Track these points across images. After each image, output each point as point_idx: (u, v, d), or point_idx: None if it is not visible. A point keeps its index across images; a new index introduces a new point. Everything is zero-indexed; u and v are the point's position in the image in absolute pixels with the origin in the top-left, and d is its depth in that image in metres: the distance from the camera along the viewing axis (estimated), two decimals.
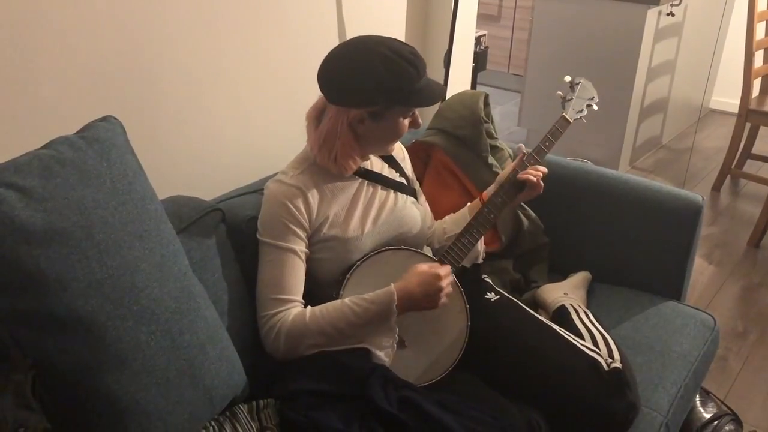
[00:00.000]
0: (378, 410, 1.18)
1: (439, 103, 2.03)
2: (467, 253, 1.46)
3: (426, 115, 2.51)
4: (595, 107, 1.67)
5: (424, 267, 1.34)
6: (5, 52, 1.26)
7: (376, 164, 1.51)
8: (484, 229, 1.48)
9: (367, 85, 1.30)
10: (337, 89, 1.33)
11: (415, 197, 1.57)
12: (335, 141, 1.35)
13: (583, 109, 1.64)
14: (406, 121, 1.39)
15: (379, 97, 1.30)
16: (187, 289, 1.16)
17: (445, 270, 1.34)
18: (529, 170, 1.51)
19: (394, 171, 1.54)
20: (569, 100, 1.64)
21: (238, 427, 1.18)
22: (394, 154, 1.56)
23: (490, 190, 1.57)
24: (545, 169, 1.52)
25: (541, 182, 1.51)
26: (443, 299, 1.33)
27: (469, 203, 1.62)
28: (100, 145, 1.10)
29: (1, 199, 0.96)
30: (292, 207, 1.35)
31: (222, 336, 1.21)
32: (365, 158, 1.46)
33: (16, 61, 1.29)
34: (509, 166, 1.57)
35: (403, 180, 1.55)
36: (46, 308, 0.97)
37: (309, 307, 1.34)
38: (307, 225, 1.36)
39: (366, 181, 1.46)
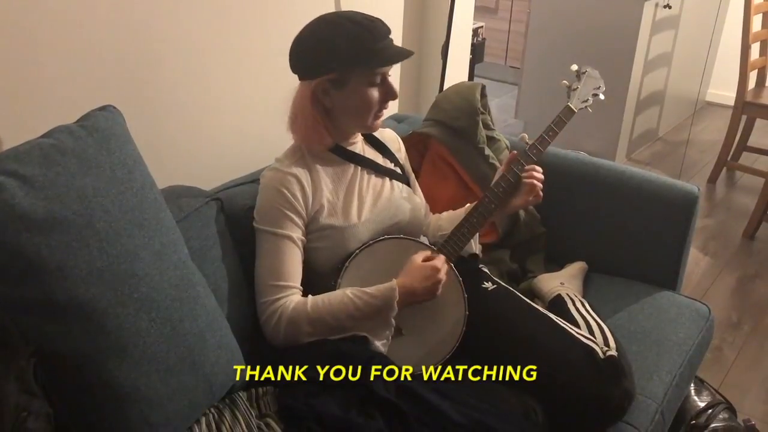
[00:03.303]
0: (377, 397, 1.19)
1: (436, 95, 2.03)
2: (462, 248, 1.46)
3: (423, 106, 2.51)
4: (602, 96, 1.63)
5: (419, 260, 1.36)
6: (5, 41, 1.26)
7: (369, 152, 1.51)
8: (470, 235, 1.47)
9: (321, 51, 1.32)
10: (296, 62, 1.36)
11: (410, 186, 1.58)
12: (301, 115, 1.37)
13: (588, 99, 1.61)
14: (374, 91, 1.37)
15: (333, 62, 1.31)
16: (187, 277, 1.16)
17: (441, 261, 1.36)
18: (530, 172, 1.47)
19: (388, 161, 1.55)
20: (575, 89, 1.61)
21: (238, 414, 1.19)
22: (389, 145, 1.57)
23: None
24: (541, 169, 1.49)
25: (540, 193, 1.48)
26: (440, 290, 1.35)
27: (467, 205, 1.62)
28: (100, 134, 1.10)
29: (2, 188, 0.96)
30: (288, 194, 1.35)
31: (221, 324, 1.22)
32: (345, 137, 1.45)
33: (16, 50, 1.29)
34: (499, 170, 1.55)
35: (397, 169, 1.56)
36: (47, 295, 0.98)
37: (310, 296, 1.34)
38: (303, 212, 1.37)
39: (360, 168, 1.47)
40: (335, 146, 1.44)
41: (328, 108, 1.38)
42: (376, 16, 1.35)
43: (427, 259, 1.37)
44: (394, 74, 1.41)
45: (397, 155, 1.58)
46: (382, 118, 1.44)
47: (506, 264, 1.85)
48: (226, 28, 1.67)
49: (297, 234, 1.36)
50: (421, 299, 1.35)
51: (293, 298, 1.33)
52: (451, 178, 1.89)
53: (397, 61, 1.35)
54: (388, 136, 1.59)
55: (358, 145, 1.49)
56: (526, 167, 1.49)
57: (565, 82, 1.64)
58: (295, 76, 1.39)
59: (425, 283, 1.33)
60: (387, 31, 1.34)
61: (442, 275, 1.34)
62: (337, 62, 1.31)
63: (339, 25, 1.31)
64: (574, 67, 1.65)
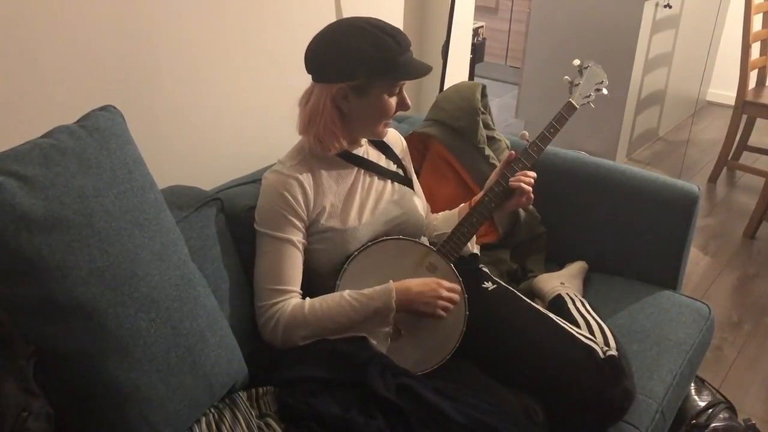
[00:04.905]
0: (377, 397, 1.19)
1: (437, 95, 2.03)
2: (462, 247, 1.47)
3: (423, 106, 2.51)
4: (605, 91, 1.62)
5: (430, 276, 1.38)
6: (5, 41, 1.27)
7: (372, 154, 1.51)
8: (470, 234, 1.47)
9: (348, 56, 1.30)
10: (319, 65, 1.34)
11: (412, 188, 1.57)
12: (318, 118, 1.35)
13: (590, 94, 1.59)
14: (393, 100, 1.37)
15: (360, 69, 1.30)
16: (187, 277, 1.16)
17: (447, 282, 1.36)
18: (519, 176, 1.48)
19: (391, 162, 1.55)
20: (576, 84, 1.60)
21: (238, 414, 1.19)
22: (393, 146, 1.57)
23: (477, 198, 1.54)
24: (534, 175, 1.50)
25: (531, 194, 1.48)
26: (441, 311, 1.35)
27: (461, 204, 1.62)
28: (100, 134, 1.10)
29: (2, 188, 0.97)
30: (289, 197, 1.35)
31: (221, 324, 1.22)
32: (355, 141, 1.45)
33: (17, 51, 1.29)
34: (495, 171, 1.55)
35: (400, 171, 1.56)
36: (47, 295, 0.98)
37: (308, 298, 1.34)
38: (304, 215, 1.37)
39: (363, 170, 1.47)
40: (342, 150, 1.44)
41: (344, 113, 1.37)
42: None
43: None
44: None
45: (399, 156, 1.58)
46: (389, 126, 1.44)
47: (506, 264, 1.85)
48: (227, 29, 1.67)
49: (297, 237, 1.36)
50: (419, 308, 1.34)
51: (291, 302, 1.33)
52: (452, 178, 1.89)
53: (421, 75, 1.34)
54: (392, 137, 1.58)
55: (362, 148, 1.49)
56: (517, 173, 1.49)
57: (567, 77, 1.63)
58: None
59: (423, 290, 1.34)
60: (409, 42, 1.34)
61: (444, 293, 1.35)
62: (365, 70, 1.31)
63: (367, 32, 1.29)
64: (576, 62, 1.64)
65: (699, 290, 2.68)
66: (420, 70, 1.34)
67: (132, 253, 1.07)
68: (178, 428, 1.12)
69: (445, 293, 1.35)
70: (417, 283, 1.35)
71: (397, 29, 1.33)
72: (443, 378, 1.35)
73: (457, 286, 1.39)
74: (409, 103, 1.40)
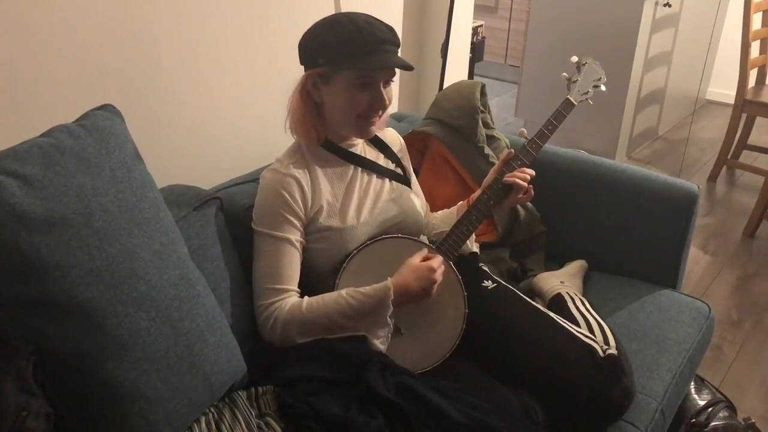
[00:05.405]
0: (376, 396, 1.19)
1: (436, 93, 2.03)
2: (461, 245, 1.47)
3: (423, 105, 2.51)
4: (603, 88, 1.61)
5: (416, 260, 1.36)
6: (4, 40, 1.26)
7: (370, 153, 1.51)
8: (469, 232, 1.47)
9: (314, 44, 1.33)
10: (299, 52, 1.38)
11: (410, 187, 1.57)
12: (291, 103, 1.38)
13: (588, 91, 1.59)
14: (361, 94, 1.34)
15: (320, 57, 1.32)
16: (186, 276, 1.16)
17: (437, 261, 1.36)
18: (515, 173, 1.49)
19: (389, 161, 1.55)
20: (575, 81, 1.59)
21: (238, 414, 1.19)
22: (391, 145, 1.56)
23: (476, 195, 1.54)
24: (533, 172, 1.49)
25: (531, 189, 1.48)
26: (434, 289, 1.36)
27: (459, 203, 1.62)
28: (99, 134, 1.10)
29: (2, 187, 0.96)
30: (287, 196, 1.35)
31: (221, 323, 1.22)
32: (341, 137, 1.44)
33: (15, 50, 1.29)
34: (493, 168, 1.55)
35: (399, 170, 1.55)
36: (47, 295, 0.98)
37: (306, 297, 1.34)
38: (302, 214, 1.37)
39: (360, 169, 1.46)
40: (334, 146, 1.44)
41: (317, 102, 1.38)
42: (375, 15, 1.35)
43: (424, 259, 1.37)
44: (396, 76, 1.39)
45: (398, 155, 1.58)
46: (374, 126, 1.40)
47: (506, 263, 1.85)
48: (226, 28, 1.66)
49: (295, 236, 1.36)
50: (416, 298, 1.35)
51: (289, 300, 1.33)
52: (451, 177, 1.89)
53: (378, 68, 1.31)
54: (390, 136, 1.58)
55: (359, 146, 1.49)
56: (515, 170, 1.49)
57: (564, 74, 1.62)
58: (296, 77, 1.40)
59: (420, 282, 1.33)
60: (385, 38, 1.31)
61: (438, 276, 1.35)
62: (324, 58, 1.32)
63: (337, 23, 1.31)
64: (574, 59, 1.63)
65: (699, 289, 2.68)
66: (380, 64, 1.31)
67: (131, 252, 1.07)
68: (178, 427, 1.11)
69: (439, 276, 1.35)
70: (413, 277, 1.34)
71: (376, 24, 1.32)
72: (443, 377, 1.34)
73: (440, 258, 1.38)
74: (386, 100, 1.36)
